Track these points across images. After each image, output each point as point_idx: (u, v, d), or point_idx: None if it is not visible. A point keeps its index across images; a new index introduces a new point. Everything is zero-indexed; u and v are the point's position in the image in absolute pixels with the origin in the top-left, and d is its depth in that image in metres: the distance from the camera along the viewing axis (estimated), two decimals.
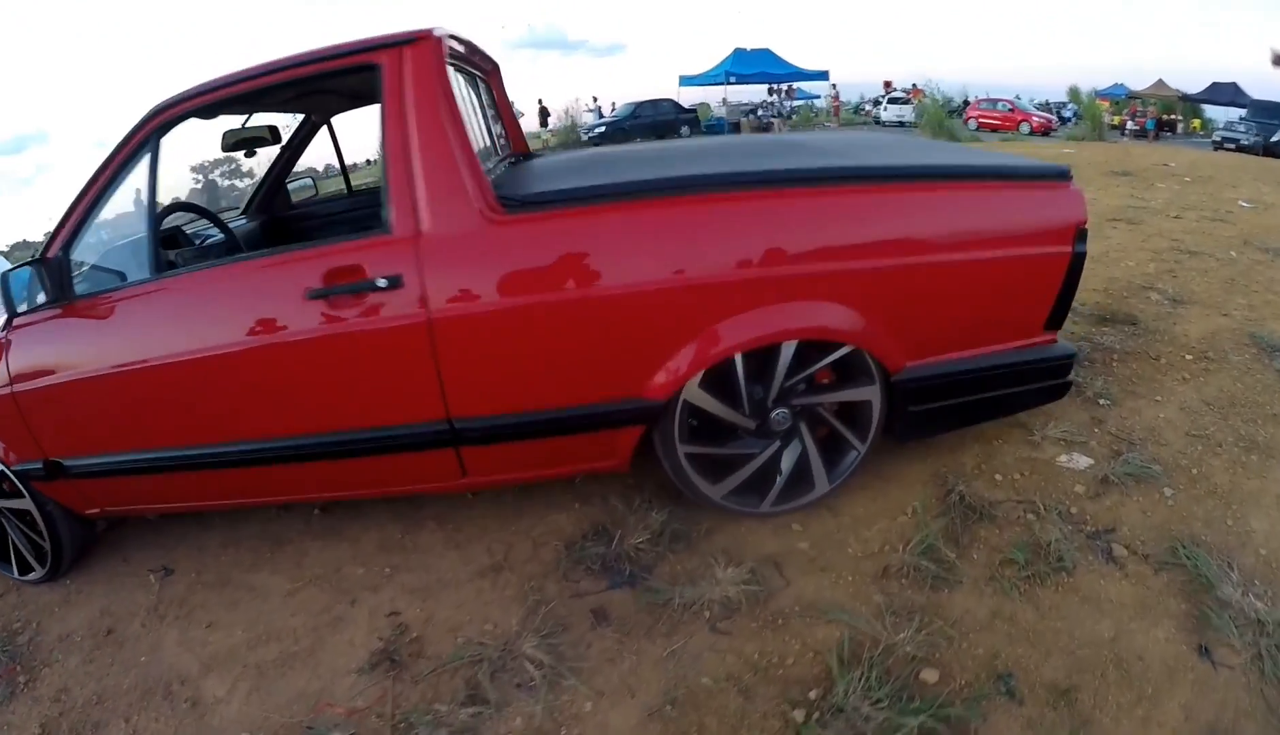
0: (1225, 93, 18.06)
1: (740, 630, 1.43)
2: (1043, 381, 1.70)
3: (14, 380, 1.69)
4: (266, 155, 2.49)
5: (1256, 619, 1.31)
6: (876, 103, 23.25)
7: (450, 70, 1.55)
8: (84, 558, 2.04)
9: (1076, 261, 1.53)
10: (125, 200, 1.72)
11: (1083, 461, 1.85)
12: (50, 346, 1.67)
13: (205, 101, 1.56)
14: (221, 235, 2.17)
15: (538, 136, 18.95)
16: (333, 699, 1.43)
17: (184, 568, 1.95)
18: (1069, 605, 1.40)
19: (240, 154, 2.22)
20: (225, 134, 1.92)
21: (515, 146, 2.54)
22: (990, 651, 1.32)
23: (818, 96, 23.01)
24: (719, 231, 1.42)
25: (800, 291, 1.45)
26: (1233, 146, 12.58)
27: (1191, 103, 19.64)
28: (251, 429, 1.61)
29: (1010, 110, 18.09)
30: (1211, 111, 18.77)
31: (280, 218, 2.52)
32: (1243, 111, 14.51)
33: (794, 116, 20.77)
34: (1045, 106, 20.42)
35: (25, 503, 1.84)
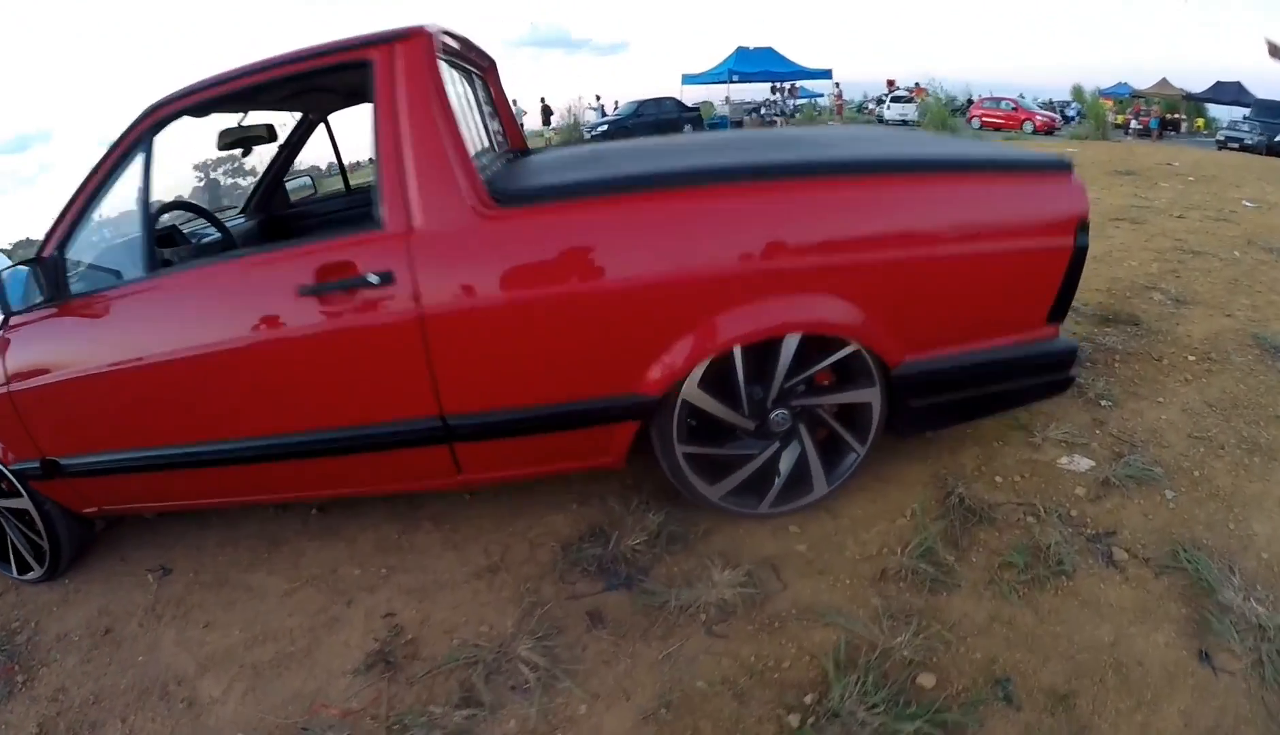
0: (1229, 92, 17.98)
1: (736, 633, 1.42)
2: (1045, 376, 1.69)
3: (11, 379, 1.70)
4: (269, 154, 2.49)
5: (1258, 624, 1.30)
6: (880, 101, 23.19)
7: (444, 66, 1.55)
8: (82, 557, 2.04)
9: (1078, 254, 1.51)
10: (128, 199, 1.71)
11: (1084, 463, 1.84)
12: (46, 346, 1.67)
13: (198, 100, 1.55)
14: (218, 234, 2.17)
15: (540, 135, 18.93)
16: (328, 700, 1.43)
17: (182, 567, 1.95)
18: (1068, 609, 1.39)
19: (241, 152, 2.22)
20: (221, 132, 1.92)
21: (513, 143, 2.54)
22: (988, 656, 1.31)
23: (821, 95, 22.96)
24: (713, 225, 1.40)
25: (797, 285, 1.43)
26: (1236, 146, 12.55)
27: (1195, 102, 19.54)
28: (244, 427, 1.61)
29: (1014, 109, 18.01)
30: (1215, 111, 18.67)
31: (279, 216, 2.52)
32: (1247, 111, 14.45)
33: (797, 115, 20.74)
34: (1049, 105, 20.33)
35: (23, 502, 1.84)
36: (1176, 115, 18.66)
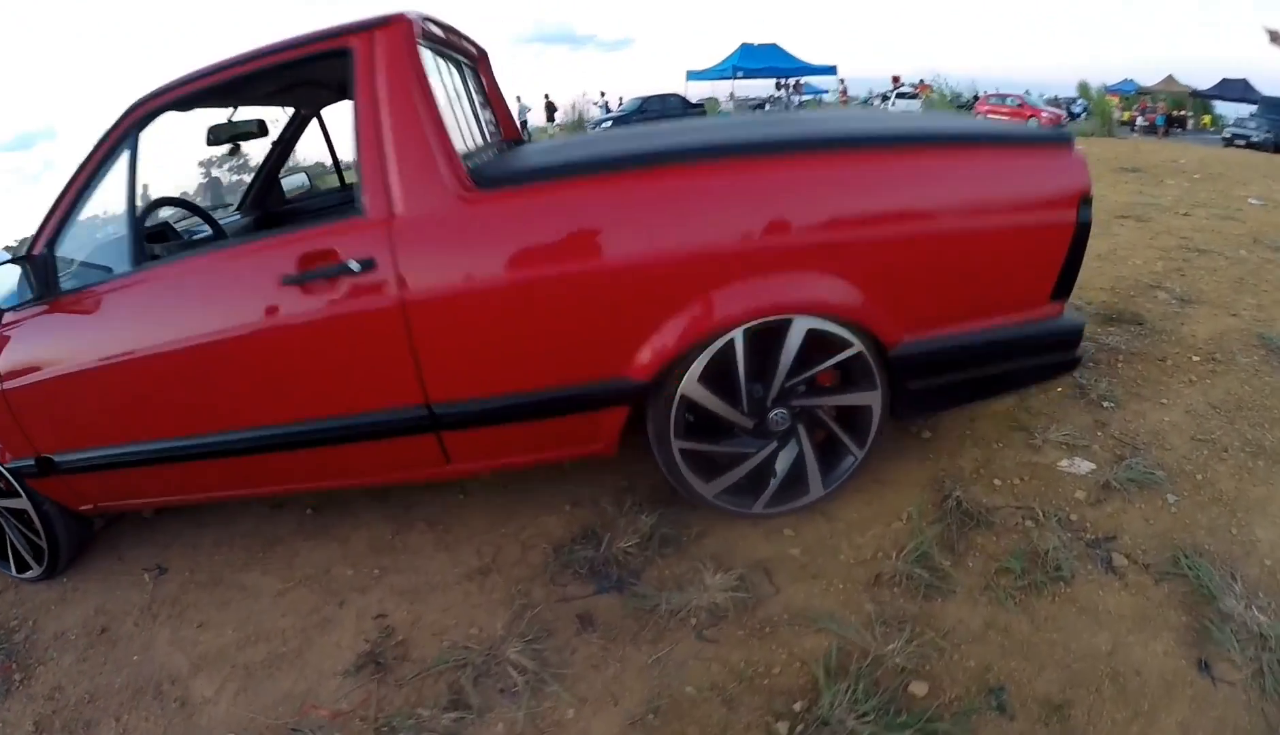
0: (1235, 89, 17.83)
1: (727, 638, 1.40)
2: (1050, 355, 1.64)
3: (4, 378, 1.70)
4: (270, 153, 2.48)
5: (1259, 633, 1.27)
6: (885, 98, 23.06)
7: (428, 54, 1.53)
8: (81, 555, 2.05)
9: (1082, 230, 1.47)
10: (120, 196, 1.71)
11: (1084, 466, 1.82)
12: (36, 342, 1.67)
13: (181, 95, 1.54)
14: (210, 231, 2.16)
15: (545, 131, 18.91)
16: (318, 701, 1.43)
17: (177, 566, 1.95)
18: (1065, 616, 1.37)
19: (229, 149, 2.20)
20: (210, 128, 1.91)
21: (506, 134, 2.52)
22: (982, 664, 1.28)
23: (825, 91, 22.86)
24: (699, 203, 1.37)
25: (789, 263, 1.40)
26: (1243, 143, 12.47)
27: (1202, 99, 19.38)
28: (232, 419, 1.60)
29: (1019, 105, 17.85)
30: (1222, 108, 18.51)
31: (274, 213, 2.51)
32: (1253, 108, 14.33)
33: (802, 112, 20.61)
34: (1054, 102, 20.14)
35: (22, 502, 1.85)
36: (1183, 112, 18.52)
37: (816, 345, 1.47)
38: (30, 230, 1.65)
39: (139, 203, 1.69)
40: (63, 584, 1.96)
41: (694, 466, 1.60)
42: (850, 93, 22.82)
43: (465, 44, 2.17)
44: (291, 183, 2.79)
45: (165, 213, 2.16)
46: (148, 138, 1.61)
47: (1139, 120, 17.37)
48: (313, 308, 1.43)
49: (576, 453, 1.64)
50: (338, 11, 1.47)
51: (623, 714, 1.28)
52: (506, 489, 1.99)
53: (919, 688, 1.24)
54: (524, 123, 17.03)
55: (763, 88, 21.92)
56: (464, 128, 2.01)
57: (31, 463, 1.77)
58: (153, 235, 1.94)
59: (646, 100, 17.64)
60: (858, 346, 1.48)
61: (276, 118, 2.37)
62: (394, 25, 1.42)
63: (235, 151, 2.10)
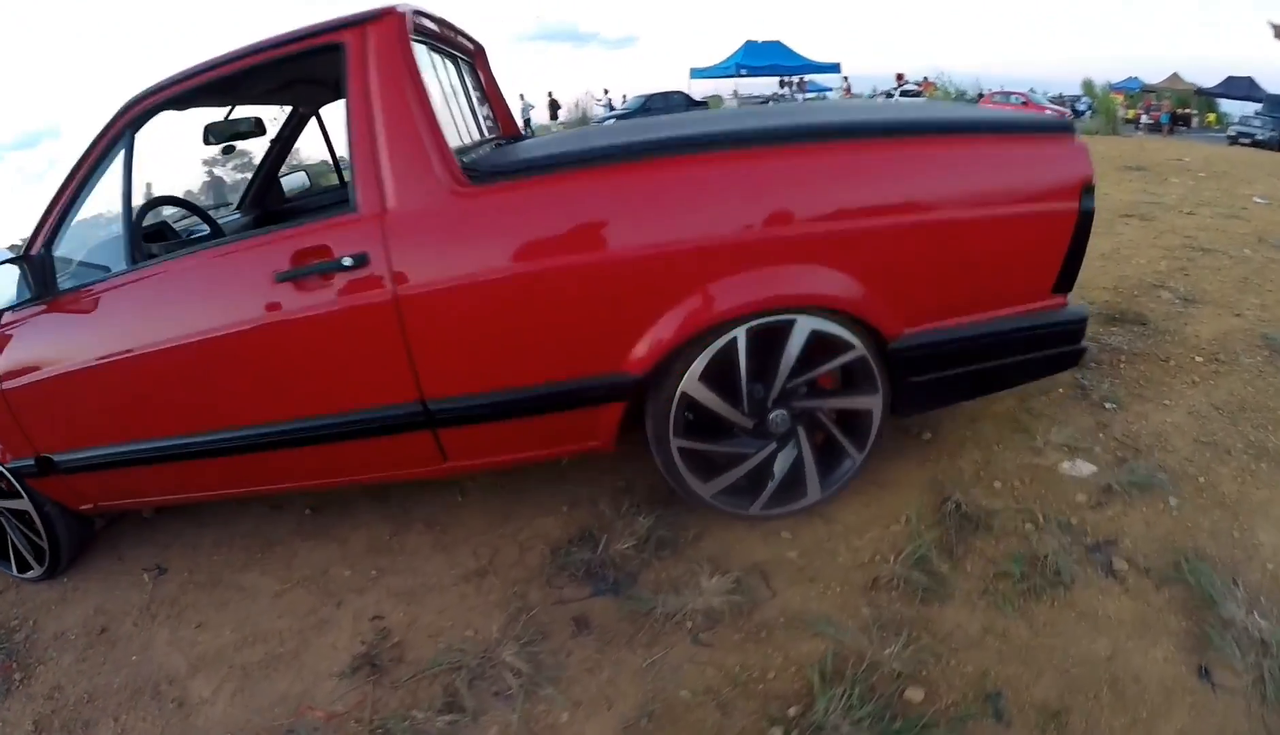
0: (1241, 87, 17.70)
1: (722, 642, 1.40)
2: (1054, 347, 1.61)
3: (3, 377, 1.71)
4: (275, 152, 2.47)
5: (1260, 639, 1.26)
6: (889, 95, 22.94)
7: (421, 49, 1.53)
8: (82, 555, 2.06)
9: (1084, 219, 1.44)
10: (135, 197, 1.71)
11: (1086, 469, 1.80)
12: (35, 342, 1.68)
13: (176, 92, 1.54)
14: (209, 230, 2.16)
15: (548, 129, 18.89)
16: (314, 702, 1.43)
17: (177, 566, 1.96)
18: (1065, 621, 1.35)
19: (236, 147, 2.20)
20: (207, 127, 1.90)
21: (505, 130, 2.51)
22: (980, 669, 1.27)
23: (829, 89, 22.77)
24: (693, 194, 1.36)
25: (785, 255, 1.38)
26: (1248, 141, 12.39)
27: (1207, 97, 19.23)
28: (228, 417, 1.60)
29: (1024, 103, 17.72)
30: (1227, 106, 18.35)
31: (274, 212, 2.51)
32: (1258, 106, 14.25)
33: None
34: (1059, 100, 20.01)
35: (23, 503, 1.86)
36: (1187, 110, 18.38)
37: (819, 347, 1.46)
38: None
39: (140, 201, 1.69)
40: (63, 584, 1.98)
41: (692, 466, 1.59)
42: (854, 91, 22.74)
43: (461, 39, 2.16)
44: (293, 181, 2.79)
45: (165, 212, 2.17)
46: (148, 137, 1.62)
47: (1144, 118, 17.27)
48: (306, 304, 1.43)
49: (575, 449, 1.63)
50: (339, 12, 1.47)
51: (617, 718, 1.28)
52: (504, 490, 1.98)
53: (915, 693, 1.23)
54: (528, 121, 17.02)
55: (766, 86, 21.88)
56: (459, 123, 2.00)
57: (31, 462, 1.78)
58: (152, 235, 1.94)
59: (650, 98, 17.63)
60: (860, 349, 1.47)
61: (275, 116, 2.37)
62: (385, 19, 1.42)
63: (229, 151, 2.10)
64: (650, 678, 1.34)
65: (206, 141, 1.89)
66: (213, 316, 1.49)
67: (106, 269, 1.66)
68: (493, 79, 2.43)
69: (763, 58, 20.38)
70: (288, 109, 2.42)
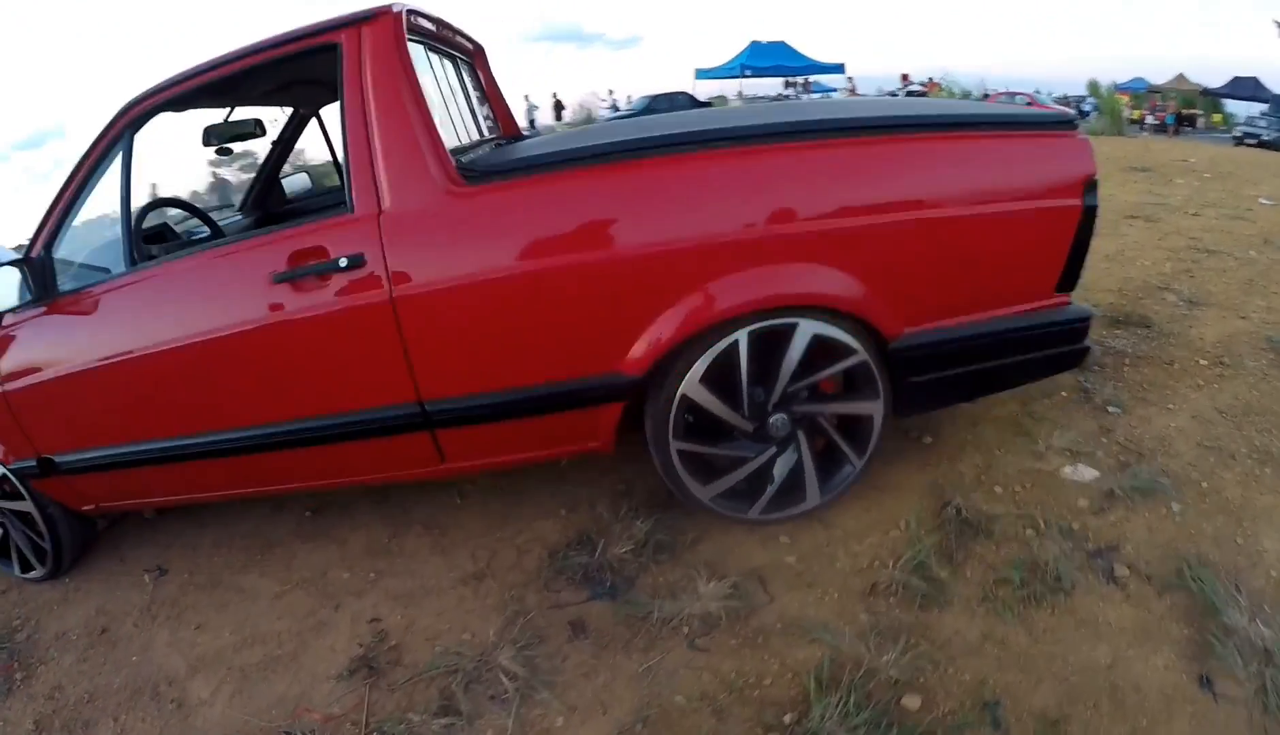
0: (1246, 87, 17.57)
1: (719, 647, 1.39)
2: (1056, 347, 1.59)
3: (4, 379, 1.71)
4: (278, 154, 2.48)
5: (1263, 648, 1.24)
6: (894, 96, 22.91)
7: (418, 49, 1.52)
8: (84, 556, 2.06)
9: (1088, 216, 1.42)
10: (139, 196, 1.72)
11: (1088, 473, 1.78)
12: (35, 344, 1.69)
13: (174, 94, 1.55)
14: (209, 232, 2.17)
15: (552, 129, 18.92)
16: (311, 704, 1.43)
17: (177, 568, 1.97)
18: (1065, 628, 1.34)
19: (233, 149, 2.20)
20: (206, 129, 1.91)
21: (506, 130, 2.51)
22: (978, 677, 1.26)
23: (834, 89, 22.73)
24: (691, 192, 1.35)
25: (785, 253, 1.36)
26: (1254, 142, 12.31)
27: (1212, 97, 19.10)
28: (227, 418, 1.61)
29: (1029, 104, 17.65)
30: (1232, 106, 18.19)
31: (275, 214, 2.52)
32: (1264, 106, 14.14)
33: None
34: (1064, 100, 19.91)
35: (26, 505, 1.87)
36: (1193, 111, 18.24)
37: (820, 351, 1.45)
38: None
39: (141, 203, 1.70)
40: (65, 584, 1.99)
41: (691, 469, 1.58)
42: (859, 91, 22.68)
43: (460, 39, 2.15)
44: (295, 183, 2.80)
45: (167, 213, 2.18)
46: (154, 139, 1.62)
47: (1149, 118, 17.15)
48: (303, 305, 1.43)
49: (573, 450, 1.62)
50: (339, 11, 1.47)
51: (612, 723, 1.27)
52: (503, 492, 1.98)
53: (912, 701, 1.22)
54: (532, 121, 17.05)
55: (771, 87, 21.87)
56: (458, 123, 2.00)
57: (33, 464, 1.79)
58: (152, 236, 1.95)
59: (654, 98, 17.63)
60: (862, 354, 1.46)
61: (276, 118, 2.38)
62: (380, 19, 1.42)
63: (226, 153, 2.10)
64: (646, 683, 1.33)
65: (206, 143, 1.90)
66: (211, 318, 1.50)
67: (106, 270, 1.67)
68: (493, 79, 2.43)
69: (767, 58, 20.38)
70: (288, 110, 2.43)
